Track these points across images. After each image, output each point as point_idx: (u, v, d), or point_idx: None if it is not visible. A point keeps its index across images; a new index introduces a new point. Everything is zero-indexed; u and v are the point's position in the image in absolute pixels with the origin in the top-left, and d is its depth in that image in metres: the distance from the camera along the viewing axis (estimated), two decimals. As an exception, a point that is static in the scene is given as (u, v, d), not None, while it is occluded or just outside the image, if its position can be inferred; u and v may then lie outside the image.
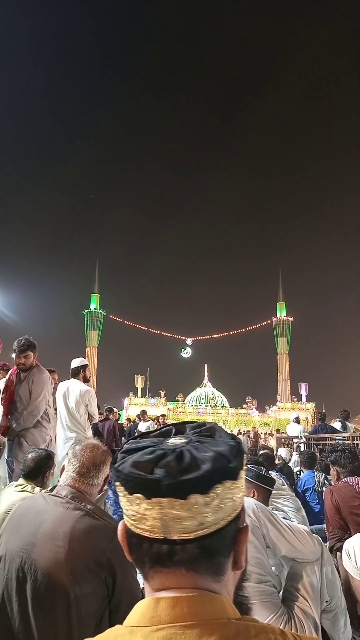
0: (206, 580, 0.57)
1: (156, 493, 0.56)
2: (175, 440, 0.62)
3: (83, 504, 1.63)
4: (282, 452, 8.80)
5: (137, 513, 0.57)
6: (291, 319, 58.58)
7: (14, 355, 4.07)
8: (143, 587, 0.63)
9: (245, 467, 0.65)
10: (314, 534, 2.07)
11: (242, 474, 0.61)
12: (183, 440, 0.62)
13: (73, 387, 4.74)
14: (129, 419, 16.47)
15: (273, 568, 2.09)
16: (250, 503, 2.01)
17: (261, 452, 5.32)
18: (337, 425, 9.38)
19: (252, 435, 17.25)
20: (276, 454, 8.74)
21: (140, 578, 0.65)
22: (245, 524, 0.63)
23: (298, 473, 6.05)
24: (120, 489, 0.60)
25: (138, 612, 0.56)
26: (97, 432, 8.07)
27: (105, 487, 4.02)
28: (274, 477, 3.99)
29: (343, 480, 3.00)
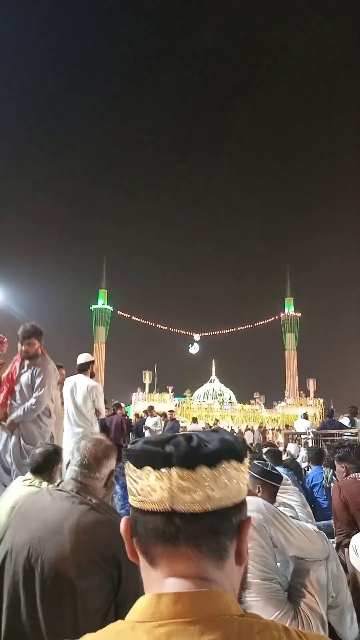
0: (210, 563, 0.57)
1: (165, 464, 0.58)
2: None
3: (88, 498, 1.65)
4: (291, 447, 8.78)
5: (146, 486, 0.58)
6: (299, 314, 58.23)
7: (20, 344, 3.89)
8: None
9: (249, 461, 0.66)
10: (320, 531, 2.06)
11: (247, 461, 0.63)
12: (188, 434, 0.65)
13: (80, 383, 4.79)
14: (137, 415, 16.55)
15: (279, 564, 2.08)
16: (259, 502, 1.99)
17: (266, 449, 5.29)
18: (345, 421, 9.35)
19: (260, 430, 17.25)
20: (285, 449, 8.75)
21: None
22: (248, 516, 0.64)
23: (306, 469, 6.04)
24: (130, 468, 0.61)
25: (140, 607, 0.55)
26: (104, 427, 8.12)
27: (113, 481, 4.03)
28: (281, 473, 3.99)
29: (351, 476, 2.99)
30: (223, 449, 0.60)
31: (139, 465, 0.60)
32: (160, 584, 0.57)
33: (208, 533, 0.57)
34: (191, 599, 0.53)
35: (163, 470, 0.58)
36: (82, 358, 4.99)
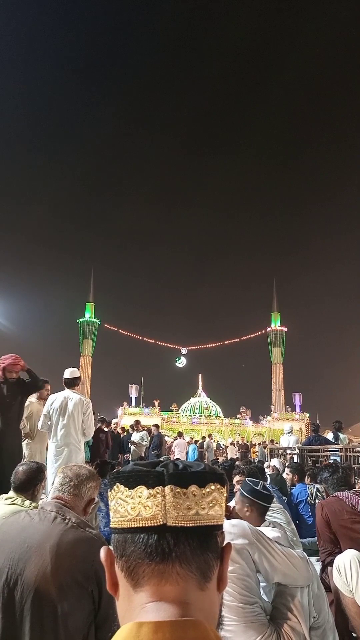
0: (195, 583, 0.58)
1: (159, 482, 0.59)
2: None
3: (68, 517, 1.64)
4: (275, 462, 8.74)
5: (138, 504, 0.59)
6: (285, 329, 58.68)
7: None
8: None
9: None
10: (304, 556, 2.03)
11: (225, 489, 0.65)
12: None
13: (73, 398, 4.75)
14: (123, 429, 16.37)
15: (264, 584, 2.07)
16: (244, 525, 1.95)
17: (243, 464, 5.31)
18: (330, 436, 9.37)
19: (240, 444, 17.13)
20: (269, 465, 8.72)
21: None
22: (228, 542, 0.65)
23: (290, 487, 6.04)
24: (119, 489, 0.61)
25: (121, 636, 0.55)
26: (96, 442, 8.07)
27: (97, 499, 3.97)
28: (272, 493, 3.98)
29: (334, 494, 3.00)
30: (208, 472, 0.62)
31: (131, 486, 0.60)
32: (141, 610, 0.57)
33: (198, 549, 0.59)
34: (172, 627, 0.54)
35: (157, 487, 0.59)
36: (72, 373, 4.95)
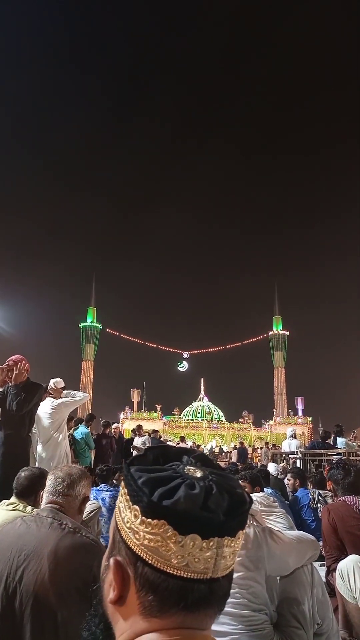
0: (213, 619, 0.56)
1: (215, 533, 0.53)
2: (194, 472, 0.58)
3: (65, 522, 1.63)
4: (271, 467, 8.65)
5: (188, 555, 0.52)
6: (287, 333, 58.61)
7: None
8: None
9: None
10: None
11: None
12: (200, 473, 0.58)
13: (45, 402, 5.01)
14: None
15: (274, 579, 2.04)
16: (248, 530, 1.93)
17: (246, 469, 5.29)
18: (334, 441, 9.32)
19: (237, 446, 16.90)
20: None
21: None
22: None
23: (291, 491, 5.99)
24: (165, 529, 0.53)
25: None
26: (99, 448, 8.07)
27: (99, 504, 3.96)
28: (268, 495, 3.96)
29: (341, 499, 2.98)
30: (249, 505, 0.58)
31: (183, 531, 0.52)
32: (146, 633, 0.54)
33: (228, 592, 0.57)
34: None
35: (212, 539, 0.53)
36: (57, 383, 5.20)
